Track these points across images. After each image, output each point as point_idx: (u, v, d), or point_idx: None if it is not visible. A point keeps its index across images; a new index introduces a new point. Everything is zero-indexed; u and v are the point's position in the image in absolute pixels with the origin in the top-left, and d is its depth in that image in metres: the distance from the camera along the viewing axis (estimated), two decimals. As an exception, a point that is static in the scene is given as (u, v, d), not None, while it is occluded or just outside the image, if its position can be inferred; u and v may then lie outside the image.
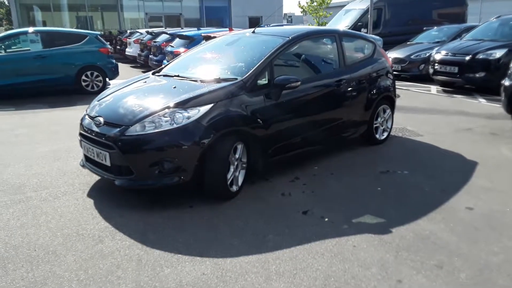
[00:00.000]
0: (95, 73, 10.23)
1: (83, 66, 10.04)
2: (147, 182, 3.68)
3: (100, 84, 10.35)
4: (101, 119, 3.88)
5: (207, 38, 9.21)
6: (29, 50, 9.67)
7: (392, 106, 5.92)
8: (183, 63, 5.09)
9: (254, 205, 3.87)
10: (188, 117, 3.65)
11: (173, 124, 3.63)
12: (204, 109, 3.72)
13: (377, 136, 5.71)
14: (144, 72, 14.91)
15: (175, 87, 4.13)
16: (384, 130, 5.82)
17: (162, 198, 3.98)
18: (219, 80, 4.12)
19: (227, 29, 10.81)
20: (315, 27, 8.04)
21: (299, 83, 4.19)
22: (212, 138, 3.67)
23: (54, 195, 4.13)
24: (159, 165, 3.63)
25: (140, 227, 3.46)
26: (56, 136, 6.38)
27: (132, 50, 16.26)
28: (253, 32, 5.12)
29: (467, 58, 9.37)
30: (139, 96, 4.12)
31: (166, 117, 3.67)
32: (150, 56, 13.24)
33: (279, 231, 3.38)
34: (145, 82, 4.52)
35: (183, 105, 3.74)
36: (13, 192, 4.21)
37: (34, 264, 2.94)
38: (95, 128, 3.89)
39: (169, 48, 11.17)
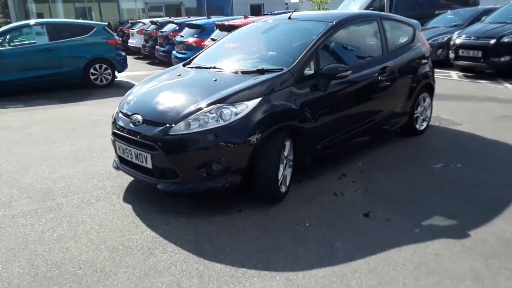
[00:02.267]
0: (104, 66, 9.83)
1: (91, 59, 9.63)
2: (194, 186, 3.36)
3: (109, 77, 9.96)
4: (139, 117, 3.53)
5: (222, 27, 8.81)
6: (35, 43, 9.24)
7: (432, 94, 5.59)
8: (215, 53, 4.73)
9: (307, 207, 3.55)
10: (236, 113, 3.31)
11: (220, 121, 3.29)
12: (252, 103, 3.38)
13: (417, 126, 5.39)
14: (149, 64, 14.53)
15: (216, 80, 3.78)
16: (423, 120, 5.50)
17: (206, 202, 3.66)
18: (262, 71, 3.77)
19: (242, 16, 10.38)
20: (353, 11, 7.62)
21: (349, 72, 3.85)
22: (263, 135, 3.34)
23: (87, 200, 3.80)
24: (207, 167, 3.30)
25: (191, 236, 3.14)
26: (73, 134, 6.02)
27: (135, 41, 15.80)
28: (289, 18, 4.75)
29: (492, 41, 9.03)
30: (178, 91, 3.77)
31: (212, 113, 3.33)
32: (156, 47, 12.82)
33: (346, 238, 3.06)
34: (180, 75, 4.16)
35: (230, 100, 3.40)
36: (41, 198, 3.88)
37: (84, 285, 2.62)
38: (132, 127, 3.54)
39: (178, 38, 10.75)
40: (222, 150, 3.27)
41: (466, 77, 9.77)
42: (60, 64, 9.29)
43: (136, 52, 16.58)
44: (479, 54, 9.30)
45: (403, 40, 5.17)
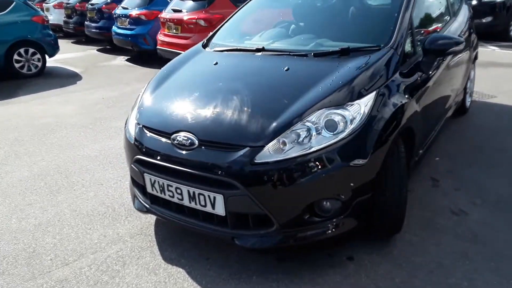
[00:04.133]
0: (31, 50, 7.82)
1: (14, 42, 7.57)
2: (295, 237, 2.17)
3: (39, 64, 7.99)
4: (192, 137, 2.22)
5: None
6: None
7: (474, 65, 4.79)
8: (245, 28, 3.43)
9: (434, 237, 2.56)
10: (352, 119, 2.16)
11: (327, 134, 2.12)
12: (365, 101, 2.25)
13: (467, 103, 4.58)
14: (76, 43, 12.31)
15: (288, 70, 2.54)
16: (469, 95, 4.70)
17: (293, 250, 2.49)
18: (346, 52, 2.60)
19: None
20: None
21: (463, 45, 2.82)
22: (387, 146, 2.23)
23: (106, 269, 2.44)
24: (316, 207, 2.14)
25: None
26: (22, 148, 4.37)
27: (53, 17, 13.28)
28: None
29: (474, 2, 8.54)
30: (239, 90, 2.46)
31: (316, 123, 2.14)
32: (86, 23, 10.74)
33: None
34: (217, 63, 2.84)
35: (333, 99, 2.23)
36: (24, 273, 2.44)
37: None
38: (180, 153, 2.23)
39: (119, 11, 8.93)
40: (342, 177, 2.12)
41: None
42: (-28, 51, 7.18)
43: (54, 30, 14.06)
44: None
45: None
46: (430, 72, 2.84)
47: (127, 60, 9.26)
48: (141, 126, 2.51)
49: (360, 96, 2.25)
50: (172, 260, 2.48)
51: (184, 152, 2.23)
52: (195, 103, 2.45)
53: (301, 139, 2.10)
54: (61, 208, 3.14)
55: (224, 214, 2.16)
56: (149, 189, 2.42)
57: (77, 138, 4.60)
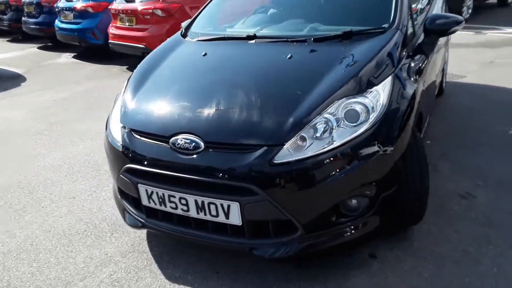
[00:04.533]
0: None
1: None
2: (320, 241, 1.96)
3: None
4: (195, 139, 1.94)
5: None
6: None
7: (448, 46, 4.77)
8: (228, 15, 3.15)
9: (456, 226, 2.45)
10: (373, 107, 1.97)
11: (348, 126, 1.92)
12: (382, 87, 2.07)
13: (443, 84, 4.57)
14: (12, 41, 11.27)
15: (291, 57, 2.30)
16: (445, 76, 4.70)
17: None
18: (349, 35, 2.41)
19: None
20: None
21: (463, 24, 2.70)
22: (408, 132, 2.08)
23: (103, 297, 2.11)
24: (342, 206, 1.94)
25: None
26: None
27: (-18, 14, 12.15)
28: None
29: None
30: (243, 83, 2.19)
31: (335, 115, 1.93)
32: (23, 18, 9.84)
33: None
34: (205, 54, 2.54)
35: (352, 87, 2.03)
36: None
37: None
38: (183, 158, 1.95)
39: (62, 4, 8.21)
40: (369, 171, 1.92)
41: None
42: None
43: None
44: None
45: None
46: (429, 54, 2.71)
47: (74, 57, 8.60)
48: (128, 130, 2.18)
49: (377, 82, 2.07)
50: (177, 278, 2.19)
51: (187, 157, 1.95)
52: (191, 100, 2.16)
53: (320, 133, 1.89)
54: (32, 229, 2.74)
55: (240, 224, 1.91)
56: (144, 201, 2.11)
57: (33, 147, 4.12)
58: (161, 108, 2.18)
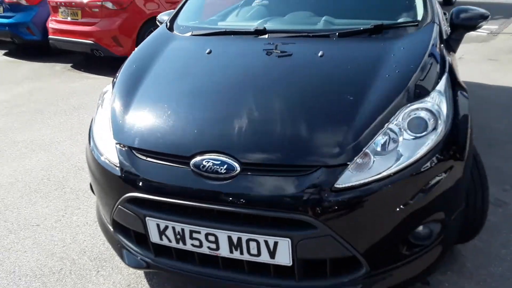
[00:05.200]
0: None
1: None
2: (389, 278, 1.62)
3: None
4: (227, 159, 1.52)
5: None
6: None
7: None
8: (217, 6, 2.69)
9: (502, 240, 2.26)
10: (439, 114, 1.65)
11: (418, 136, 1.59)
12: (441, 89, 1.77)
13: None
14: None
15: (322, 55, 1.93)
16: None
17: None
18: (379, 29, 2.09)
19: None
20: None
21: (488, 18, 2.48)
22: (470, 139, 1.78)
23: None
24: (411, 236, 1.62)
25: None
26: None
27: None
28: None
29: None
30: (274, 89, 1.78)
31: (399, 125, 1.59)
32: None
33: None
34: (211, 52, 2.09)
35: (412, 91, 1.70)
36: None
37: None
38: (208, 183, 1.52)
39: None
40: (445, 192, 1.61)
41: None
42: None
43: None
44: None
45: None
46: (456, 50, 2.47)
47: (5, 54, 7.61)
48: (126, 148, 1.70)
49: (434, 84, 1.77)
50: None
51: (218, 182, 1.53)
52: (213, 110, 1.74)
53: (384, 148, 1.54)
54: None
55: (290, 264, 1.52)
56: (154, 238, 1.66)
57: (-28, 162, 3.42)
58: (172, 120, 1.73)
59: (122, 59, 2.42)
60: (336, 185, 1.46)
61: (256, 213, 1.50)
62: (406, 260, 1.62)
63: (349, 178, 1.47)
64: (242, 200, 1.50)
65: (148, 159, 1.65)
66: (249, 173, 1.51)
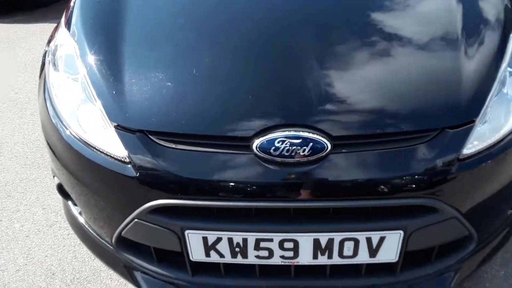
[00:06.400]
0: None
1: None
2: (490, 248, 1.36)
3: None
4: (313, 136, 1.04)
5: None
6: None
7: None
8: None
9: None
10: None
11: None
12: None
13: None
14: None
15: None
16: None
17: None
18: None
19: None
20: None
21: None
22: None
23: None
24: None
25: None
26: None
27: None
28: None
29: None
30: (346, 34, 1.27)
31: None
32: None
33: None
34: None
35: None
36: None
37: None
38: (289, 172, 1.05)
39: None
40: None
41: None
42: None
43: None
44: None
45: None
46: None
47: None
48: (137, 133, 1.11)
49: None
50: None
51: (299, 169, 1.05)
52: (266, 66, 1.19)
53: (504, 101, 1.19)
54: None
55: (396, 259, 1.16)
56: (197, 255, 1.17)
57: None
58: (207, 83, 1.14)
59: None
60: (465, 151, 1.08)
61: (359, 204, 1.08)
62: (502, 230, 1.35)
63: (479, 139, 1.10)
64: (336, 190, 1.06)
65: (180, 146, 1.08)
66: (344, 150, 1.06)
